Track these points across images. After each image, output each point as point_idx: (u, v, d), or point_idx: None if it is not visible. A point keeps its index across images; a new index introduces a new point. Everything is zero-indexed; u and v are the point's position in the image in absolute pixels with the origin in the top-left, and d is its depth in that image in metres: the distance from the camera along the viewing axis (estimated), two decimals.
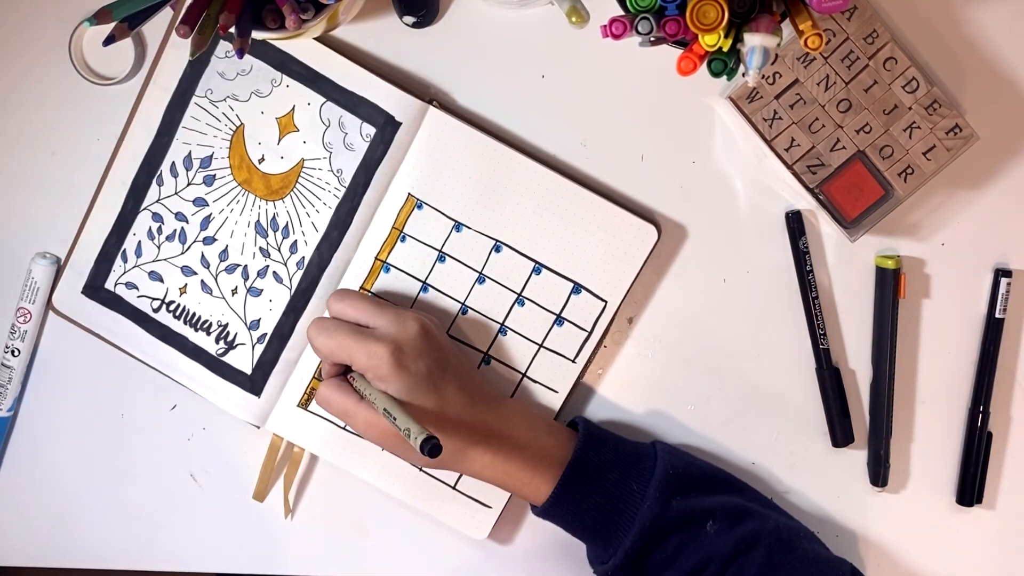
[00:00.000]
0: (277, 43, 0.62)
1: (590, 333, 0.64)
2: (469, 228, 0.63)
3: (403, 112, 0.62)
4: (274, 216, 0.64)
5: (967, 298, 0.64)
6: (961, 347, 0.64)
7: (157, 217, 0.65)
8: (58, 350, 0.69)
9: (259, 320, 0.65)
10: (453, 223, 0.63)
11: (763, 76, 0.59)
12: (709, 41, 0.48)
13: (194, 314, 0.65)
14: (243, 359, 0.66)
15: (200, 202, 0.64)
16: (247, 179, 0.64)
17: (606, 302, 0.63)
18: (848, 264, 0.64)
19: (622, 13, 0.51)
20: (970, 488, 0.64)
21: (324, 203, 0.64)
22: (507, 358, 0.64)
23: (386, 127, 0.62)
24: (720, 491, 0.60)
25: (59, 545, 0.71)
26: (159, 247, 0.65)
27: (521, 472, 0.58)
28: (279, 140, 0.63)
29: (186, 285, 0.65)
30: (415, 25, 0.62)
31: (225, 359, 0.66)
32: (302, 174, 0.64)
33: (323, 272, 0.64)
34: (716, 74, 0.50)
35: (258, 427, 0.66)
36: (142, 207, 0.65)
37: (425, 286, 0.64)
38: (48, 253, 0.67)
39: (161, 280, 0.65)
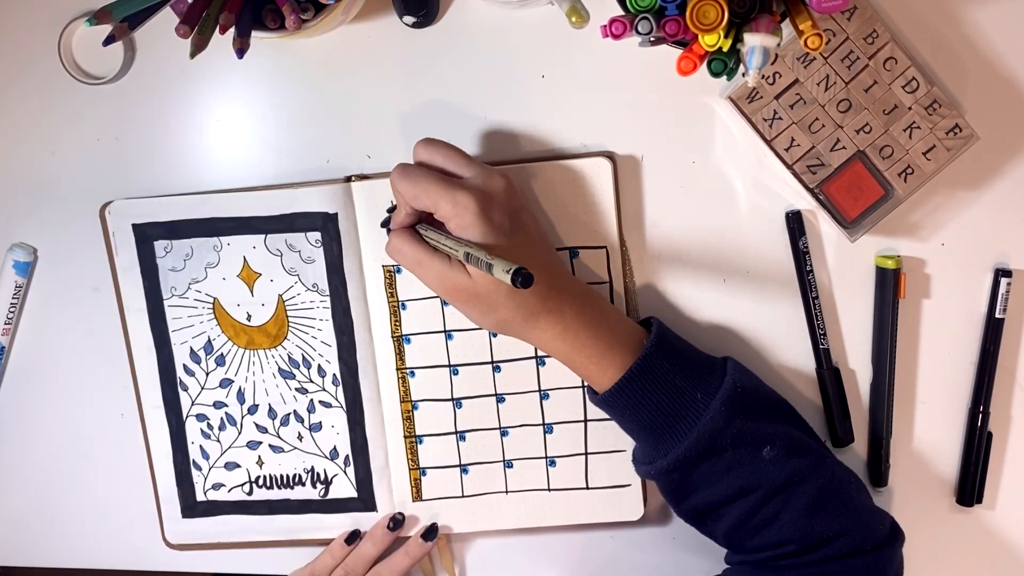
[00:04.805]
0: (197, 200, 0.64)
1: (610, 282, 0.63)
2: None
3: (331, 203, 0.63)
4: (289, 356, 0.66)
5: (967, 298, 0.63)
6: (961, 347, 0.64)
7: (201, 417, 0.67)
8: (57, 350, 0.69)
9: (335, 448, 0.67)
10: None
11: (763, 76, 0.59)
12: (709, 41, 0.48)
13: (282, 476, 0.67)
14: (344, 487, 0.67)
15: (225, 383, 0.67)
16: (248, 340, 0.66)
17: (605, 247, 0.63)
18: (848, 264, 0.63)
19: (622, 13, 0.51)
20: (970, 488, 0.64)
21: (320, 319, 0.65)
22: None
23: (327, 224, 0.64)
24: (783, 421, 0.60)
25: (59, 545, 0.71)
26: (219, 440, 0.67)
27: (592, 350, 0.57)
28: (251, 292, 0.65)
29: (259, 457, 0.67)
30: (415, 25, 0.62)
31: (330, 497, 0.67)
32: (287, 308, 0.65)
33: (357, 377, 0.66)
34: (716, 74, 0.50)
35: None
36: (184, 417, 0.67)
37: (448, 334, 0.64)
38: (23, 243, 0.67)
39: (238, 465, 0.67)
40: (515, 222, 0.57)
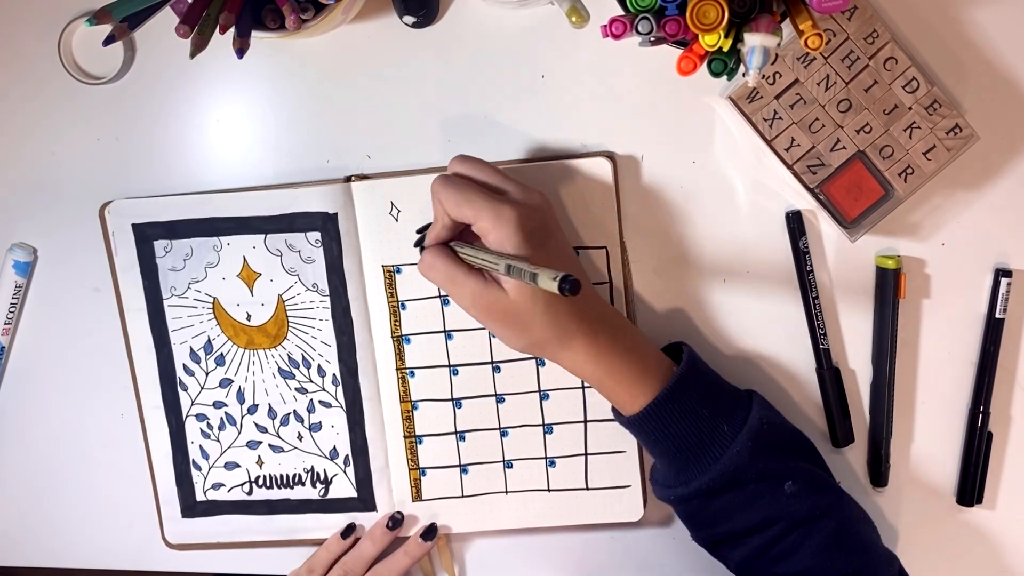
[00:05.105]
0: (197, 200, 0.64)
1: (610, 282, 0.63)
2: None
3: (331, 203, 0.63)
4: (289, 356, 0.66)
5: (967, 298, 0.63)
6: (961, 347, 0.64)
7: (201, 417, 0.67)
8: (57, 350, 0.69)
9: (335, 448, 0.67)
10: None
11: (763, 76, 0.59)
12: (709, 41, 0.48)
13: (281, 476, 0.67)
14: (344, 487, 0.67)
15: (225, 382, 0.67)
16: (248, 340, 0.66)
17: (605, 247, 0.63)
18: (848, 264, 0.63)
19: (622, 13, 0.51)
20: (970, 488, 0.64)
21: (320, 319, 0.65)
22: None
23: (327, 224, 0.64)
24: (804, 457, 0.60)
25: (59, 545, 0.71)
26: (218, 440, 0.67)
27: (624, 375, 0.57)
28: (251, 292, 0.65)
29: (259, 456, 0.67)
30: (415, 25, 0.62)
31: (330, 496, 0.67)
32: (287, 308, 0.65)
33: (357, 377, 0.66)
34: (716, 74, 0.50)
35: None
36: (184, 417, 0.67)
37: (448, 334, 0.64)
38: (23, 243, 0.67)
39: (238, 465, 0.68)
40: (551, 241, 0.56)
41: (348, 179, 0.64)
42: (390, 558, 0.66)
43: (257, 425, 0.67)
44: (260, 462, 0.67)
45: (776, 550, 0.56)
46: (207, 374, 0.67)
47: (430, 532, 0.66)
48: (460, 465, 0.66)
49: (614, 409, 0.60)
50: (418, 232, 0.63)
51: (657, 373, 0.57)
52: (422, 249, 0.59)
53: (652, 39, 0.50)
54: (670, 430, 0.57)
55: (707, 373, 0.59)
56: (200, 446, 0.67)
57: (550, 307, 0.55)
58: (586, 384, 0.64)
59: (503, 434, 0.65)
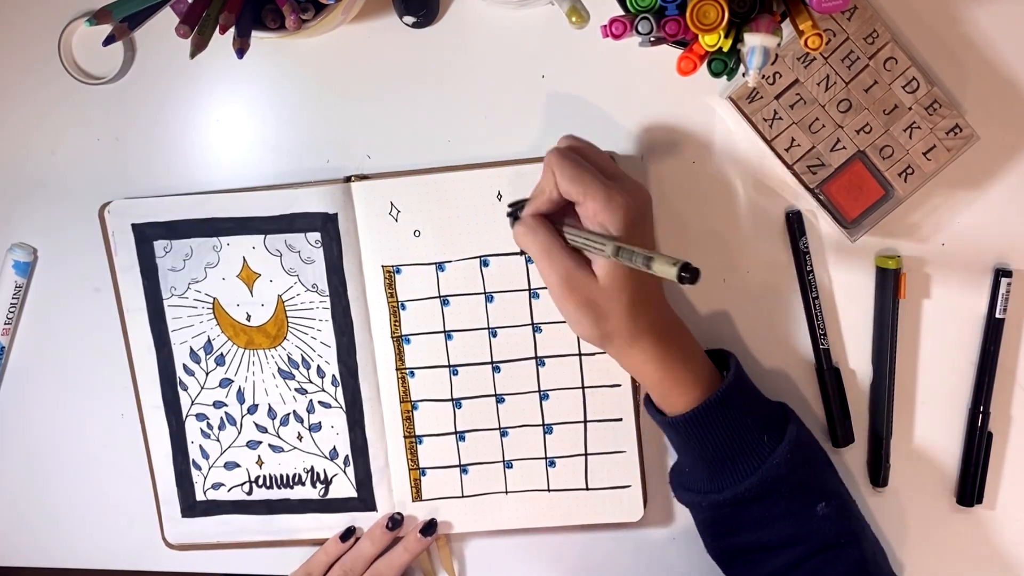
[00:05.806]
0: (197, 200, 0.64)
1: None
2: (450, 261, 0.64)
3: (331, 203, 0.63)
4: (288, 356, 0.66)
5: (967, 298, 0.63)
6: (961, 347, 0.64)
7: (201, 417, 0.67)
8: (57, 350, 0.69)
9: (334, 448, 0.67)
10: (434, 266, 0.64)
11: (763, 76, 0.59)
12: (709, 41, 0.48)
13: (281, 475, 0.67)
14: (344, 487, 0.67)
15: (225, 382, 0.67)
16: (248, 340, 0.66)
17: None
18: (848, 264, 0.63)
19: (622, 13, 0.51)
20: (970, 488, 0.64)
21: (320, 319, 0.65)
22: (556, 351, 0.64)
23: (327, 225, 0.64)
24: (833, 479, 0.60)
25: (59, 545, 0.71)
26: (218, 439, 0.67)
27: (678, 378, 0.57)
28: (251, 292, 0.65)
29: (259, 456, 0.67)
30: (415, 25, 0.62)
31: (330, 496, 0.67)
32: (287, 308, 0.65)
33: (357, 378, 0.66)
34: (716, 74, 0.50)
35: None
36: (184, 417, 0.67)
37: (448, 334, 0.64)
38: (23, 243, 0.67)
39: (238, 464, 0.68)
40: (645, 238, 0.56)
41: (348, 179, 0.64)
42: (389, 554, 0.66)
43: (257, 425, 0.67)
44: (260, 462, 0.67)
45: (800, 571, 0.56)
46: (207, 374, 0.67)
47: (429, 527, 0.66)
48: (460, 465, 0.66)
49: (651, 407, 0.60)
50: (510, 206, 0.59)
51: (707, 378, 0.58)
52: (513, 220, 0.58)
53: (652, 39, 0.50)
54: (713, 435, 0.57)
55: (750, 383, 0.59)
56: (200, 446, 0.67)
57: (633, 304, 0.54)
58: (586, 385, 0.64)
59: (503, 434, 0.65)
